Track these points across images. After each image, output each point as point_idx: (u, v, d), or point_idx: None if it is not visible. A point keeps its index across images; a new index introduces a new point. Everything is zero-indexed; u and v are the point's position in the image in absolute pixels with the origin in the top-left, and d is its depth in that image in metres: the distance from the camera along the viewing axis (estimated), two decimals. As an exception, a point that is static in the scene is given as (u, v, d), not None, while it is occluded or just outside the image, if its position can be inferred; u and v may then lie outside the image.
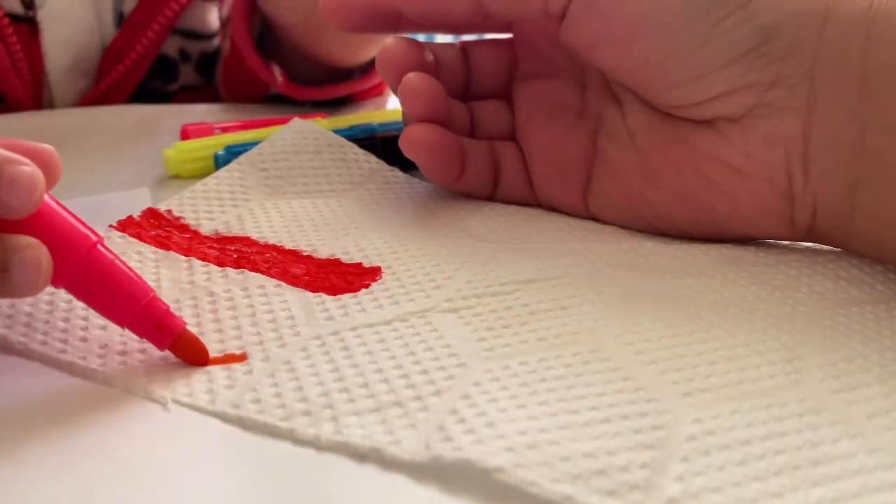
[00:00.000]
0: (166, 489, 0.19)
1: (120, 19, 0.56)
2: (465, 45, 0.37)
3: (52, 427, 0.21)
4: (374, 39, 0.51)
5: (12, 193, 0.21)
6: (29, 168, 0.21)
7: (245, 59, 0.53)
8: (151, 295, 0.23)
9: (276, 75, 0.52)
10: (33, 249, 0.22)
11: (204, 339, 0.24)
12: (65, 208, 0.23)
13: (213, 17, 0.59)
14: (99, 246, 0.23)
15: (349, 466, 0.20)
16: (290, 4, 0.50)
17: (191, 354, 0.24)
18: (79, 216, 0.24)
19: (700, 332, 0.24)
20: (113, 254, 0.23)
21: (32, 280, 0.22)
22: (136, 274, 0.23)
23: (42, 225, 0.22)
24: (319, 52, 0.52)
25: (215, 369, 0.23)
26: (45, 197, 0.23)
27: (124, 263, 0.23)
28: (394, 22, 0.34)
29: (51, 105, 0.55)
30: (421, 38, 0.36)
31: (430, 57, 0.35)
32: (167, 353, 0.24)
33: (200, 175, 0.38)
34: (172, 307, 0.24)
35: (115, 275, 0.23)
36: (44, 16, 0.52)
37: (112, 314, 0.23)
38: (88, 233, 0.23)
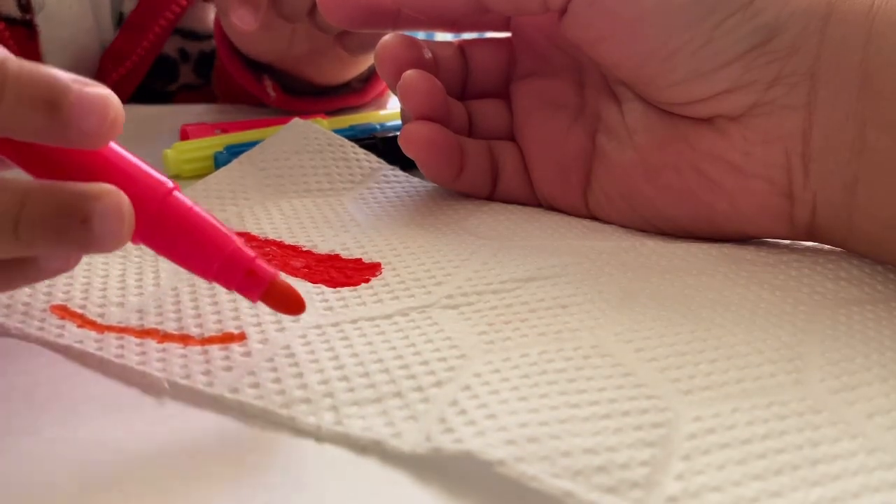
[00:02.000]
0: (164, 481, 0.19)
1: (120, 20, 0.56)
2: (463, 43, 0.37)
3: (48, 414, 0.21)
4: (357, 61, 0.50)
5: (84, 116, 0.19)
6: (100, 88, 0.19)
7: (235, 78, 0.53)
8: (236, 243, 0.21)
9: (269, 90, 0.51)
10: (113, 196, 0.19)
11: (202, 321, 0.24)
12: (132, 153, 0.21)
13: (211, 18, 0.59)
14: (175, 192, 0.21)
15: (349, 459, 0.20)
16: (261, 48, 0.50)
17: (286, 303, 0.22)
18: None
19: (701, 331, 0.24)
20: (192, 201, 0.22)
21: (116, 230, 0.19)
22: (219, 222, 0.22)
23: (113, 171, 0.20)
24: (306, 76, 0.52)
25: (213, 349, 0.23)
26: (111, 143, 0.21)
27: (205, 210, 0.22)
28: (392, 18, 0.34)
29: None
30: (420, 36, 0.36)
31: (429, 55, 0.35)
32: (165, 337, 0.23)
33: (200, 175, 0.38)
34: (171, 295, 0.24)
35: (197, 221, 0.21)
36: (42, 19, 0.52)
37: (197, 264, 0.21)
38: (163, 179, 0.21)
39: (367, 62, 0.52)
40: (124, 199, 0.20)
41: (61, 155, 0.20)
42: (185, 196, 0.21)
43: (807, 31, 0.27)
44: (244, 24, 0.40)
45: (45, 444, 0.20)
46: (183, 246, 0.21)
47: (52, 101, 0.19)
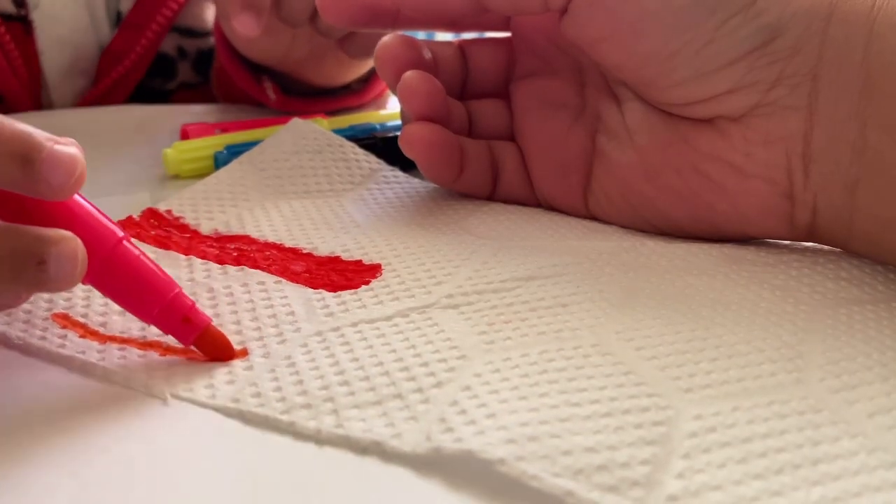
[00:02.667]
0: (166, 485, 0.19)
1: (117, 19, 0.56)
2: (462, 43, 0.37)
3: (52, 422, 0.21)
4: (358, 64, 0.50)
5: (53, 171, 0.21)
6: (70, 148, 0.21)
7: (234, 80, 0.53)
8: (177, 289, 0.23)
9: (269, 92, 0.51)
10: (69, 242, 0.21)
11: None
12: (91, 203, 0.23)
13: (209, 15, 0.59)
14: (125, 242, 0.23)
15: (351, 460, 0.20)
16: (263, 52, 0.50)
17: (216, 349, 0.23)
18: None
19: (701, 330, 0.24)
20: (140, 250, 0.23)
21: (69, 272, 0.21)
22: (162, 270, 0.23)
23: (72, 219, 0.22)
24: (307, 79, 0.52)
25: (216, 365, 0.23)
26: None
27: (150, 259, 0.23)
28: (392, 18, 0.34)
29: (49, 105, 0.55)
30: (420, 36, 0.36)
31: (429, 55, 0.35)
32: (168, 350, 0.24)
33: (200, 175, 0.38)
34: None
35: (141, 269, 0.23)
36: (37, 16, 0.52)
37: (138, 309, 0.23)
38: (115, 228, 0.23)
39: (367, 65, 0.52)
40: (79, 244, 0.21)
41: (26, 200, 0.21)
42: (134, 245, 0.23)
43: (808, 31, 0.27)
44: (246, 29, 0.40)
45: (45, 448, 0.20)
46: (127, 291, 0.23)
47: (26, 156, 0.20)
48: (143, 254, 0.23)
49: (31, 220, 0.22)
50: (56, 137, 0.21)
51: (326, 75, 0.51)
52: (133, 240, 0.23)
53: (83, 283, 0.23)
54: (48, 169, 0.21)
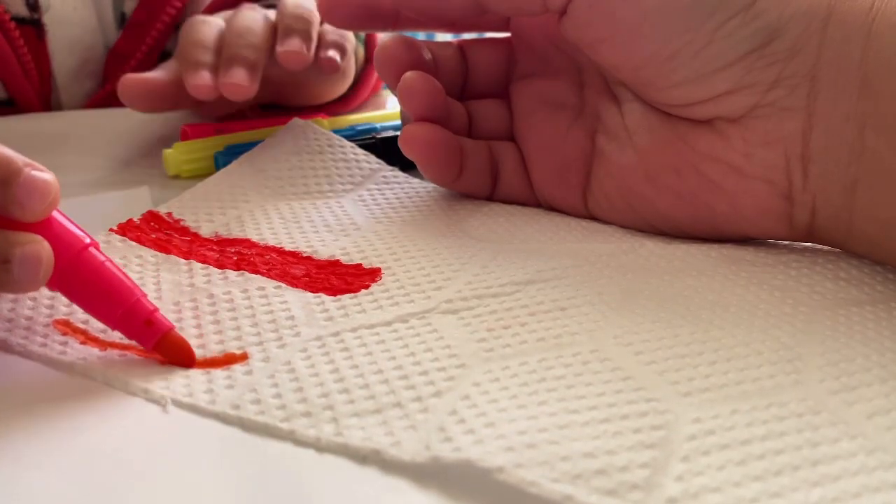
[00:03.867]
0: (166, 490, 0.19)
1: (122, 20, 0.56)
2: (462, 43, 0.37)
3: (52, 428, 0.21)
4: (329, 80, 0.48)
5: (29, 196, 0.22)
6: (46, 174, 0.22)
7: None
8: (139, 296, 0.24)
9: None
10: (35, 245, 0.22)
11: (204, 340, 0.24)
12: (61, 212, 0.24)
13: None
14: (91, 249, 0.24)
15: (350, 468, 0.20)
16: (226, 107, 0.48)
17: (176, 354, 0.24)
18: (78, 215, 0.24)
19: (700, 333, 0.24)
20: (105, 257, 0.24)
21: (32, 274, 0.22)
22: (127, 277, 0.24)
23: (40, 224, 0.23)
24: (290, 104, 0.51)
25: (215, 370, 0.23)
26: None
27: (116, 267, 0.24)
28: (391, 19, 0.34)
29: (58, 107, 0.55)
30: (420, 37, 0.36)
31: (428, 55, 0.35)
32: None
33: (200, 175, 0.38)
34: (172, 309, 0.24)
35: (105, 275, 0.24)
36: (49, 19, 0.52)
37: (102, 312, 0.24)
38: (82, 235, 0.24)
39: (349, 79, 0.51)
40: (45, 247, 0.22)
41: None
42: (101, 253, 0.24)
43: (807, 32, 0.27)
44: (199, 94, 0.38)
45: (45, 453, 0.20)
46: (91, 295, 0.24)
47: (5, 179, 0.22)
48: (110, 260, 0.24)
49: (2, 225, 0.23)
50: (33, 163, 0.23)
51: (308, 98, 0.50)
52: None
53: (49, 288, 0.24)
54: (24, 193, 0.22)
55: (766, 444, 0.20)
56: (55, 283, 0.23)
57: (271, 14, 0.42)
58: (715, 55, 0.28)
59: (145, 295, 0.24)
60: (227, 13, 0.44)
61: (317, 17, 0.40)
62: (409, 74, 0.33)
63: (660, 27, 0.28)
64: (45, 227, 0.23)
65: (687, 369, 0.23)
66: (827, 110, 0.27)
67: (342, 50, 0.41)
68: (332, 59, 0.40)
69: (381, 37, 0.51)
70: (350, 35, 0.42)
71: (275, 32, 0.40)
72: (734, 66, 0.28)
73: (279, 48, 0.37)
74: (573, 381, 0.22)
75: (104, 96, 0.56)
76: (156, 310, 0.24)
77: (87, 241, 0.24)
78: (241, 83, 0.36)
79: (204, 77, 0.37)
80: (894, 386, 0.22)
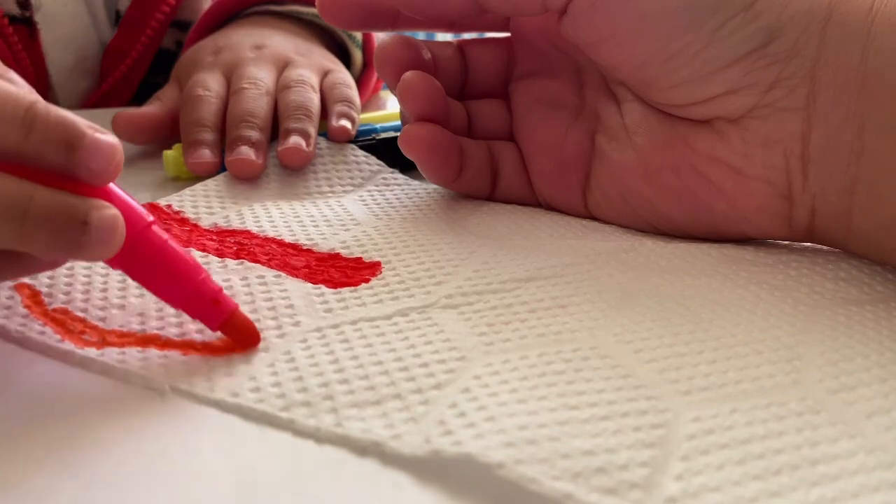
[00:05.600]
0: (166, 483, 0.19)
1: (116, 17, 0.56)
2: (462, 43, 0.37)
3: (50, 420, 0.21)
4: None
5: (94, 157, 0.22)
6: (110, 137, 0.22)
7: None
8: (205, 273, 0.24)
9: None
10: (111, 209, 0.22)
11: (203, 326, 0.24)
12: (122, 189, 0.24)
13: (206, 8, 0.59)
14: (154, 227, 0.23)
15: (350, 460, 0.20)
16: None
17: (242, 334, 0.24)
18: None
19: (700, 332, 0.24)
20: (168, 234, 0.24)
21: (109, 238, 0.22)
22: (191, 256, 0.24)
23: (108, 198, 0.23)
24: None
25: (214, 358, 0.23)
26: None
27: (179, 245, 0.24)
28: (391, 19, 0.34)
29: (56, 105, 0.55)
30: (420, 36, 0.36)
31: (428, 55, 0.35)
32: (166, 343, 0.24)
33: (201, 177, 0.38)
34: None
35: (170, 253, 0.23)
36: (41, 17, 0.52)
37: (168, 290, 0.24)
38: (144, 213, 0.23)
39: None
40: (119, 214, 0.22)
41: (67, 180, 0.22)
42: (163, 231, 0.24)
43: (807, 33, 0.27)
44: (200, 171, 0.38)
45: (44, 444, 0.20)
46: (157, 272, 0.23)
47: (70, 143, 0.22)
48: (173, 238, 0.24)
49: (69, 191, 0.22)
50: (96, 126, 0.22)
51: None
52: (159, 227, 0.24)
53: (112, 266, 0.23)
54: (89, 155, 0.22)
55: (765, 444, 0.20)
56: (118, 260, 0.23)
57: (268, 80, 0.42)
58: (715, 55, 0.28)
59: (210, 275, 0.24)
60: (223, 46, 0.45)
61: (316, 105, 0.41)
62: (408, 74, 0.33)
63: (660, 27, 0.28)
64: (114, 200, 0.23)
65: (687, 368, 0.23)
66: (826, 111, 0.27)
67: (352, 120, 0.41)
68: (344, 128, 0.40)
69: (381, 37, 0.52)
70: (356, 100, 0.43)
71: (275, 105, 0.41)
72: (734, 66, 0.28)
73: (279, 148, 0.38)
74: (573, 376, 0.22)
75: (102, 95, 0.56)
76: (221, 289, 0.24)
77: (150, 218, 0.23)
78: (247, 158, 0.37)
79: (205, 155, 0.38)
80: (894, 385, 0.22)
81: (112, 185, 0.23)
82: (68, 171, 0.22)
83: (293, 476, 0.19)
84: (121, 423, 0.21)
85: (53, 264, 0.25)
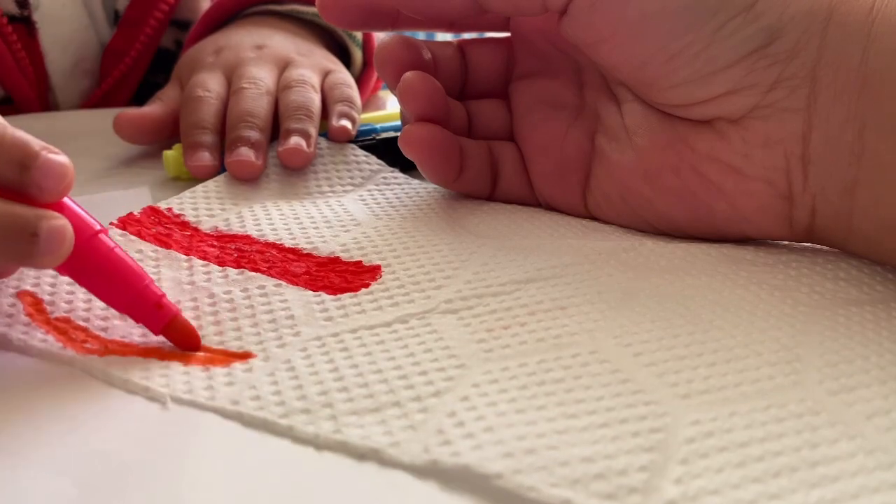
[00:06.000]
0: (165, 488, 0.19)
1: (115, 17, 0.56)
2: (462, 43, 0.36)
3: (50, 425, 0.21)
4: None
5: (45, 177, 0.23)
6: (61, 157, 0.23)
7: None
8: (147, 281, 0.25)
9: None
10: (61, 220, 0.23)
11: (204, 340, 0.25)
12: (73, 200, 0.24)
13: (204, 7, 0.59)
14: (101, 235, 0.24)
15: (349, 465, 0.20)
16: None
17: (184, 337, 0.24)
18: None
19: (699, 333, 0.24)
20: (115, 243, 0.25)
21: (57, 248, 0.23)
22: (135, 263, 0.25)
23: (57, 208, 0.24)
24: None
25: (215, 367, 0.23)
26: None
27: (125, 253, 0.25)
28: (391, 19, 0.34)
29: (56, 106, 0.55)
30: (420, 36, 0.36)
31: (428, 55, 0.35)
32: (167, 355, 0.24)
33: (201, 177, 0.38)
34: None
35: (114, 260, 0.24)
36: (39, 16, 0.52)
37: (112, 295, 0.25)
38: (93, 222, 0.24)
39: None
40: (68, 224, 0.23)
41: (23, 196, 0.23)
42: (111, 239, 0.25)
43: (807, 33, 0.27)
44: (200, 174, 0.38)
45: (46, 451, 0.20)
46: (102, 279, 0.24)
47: (23, 162, 0.23)
48: (119, 247, 0.25)
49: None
50: (49, 147, 0.23)
51: None
52: (109, 235, 0.25)
53: (60, 272, 0.24)
54: (41, 174, 0.23)
55: (764, 446, 0.20)
56: (66, 267, 0.24)
57: (269, 80, 0.42)
58: (716, 56, 0.28)
59: (153, 280, 0.25)
60: (225, 57, 0.45)
61: (317, 106, 0.41)
62: (408, 74, 0.33)
63: (661, 28, 0.28)
64: (62, 210, 0.24)
65: (686, 371, 0.23)
66: (827, 111, 0.27)
67: (352, 120, 0.41)
68: (344, 128, 0.40)
69: (381, 37, 0.51)
70: (357, 100, 0.43)
71: (276, 104, 0.41)
72: (735, 66, 0.28)
73: (280, 149, 0.38)
74: (572, 384, 0.22)
75: (102, 94, 0.56)
76: (163, 295, 0.25)
77: (98, 227, 0.24)
78: (247, 159, 0.37)
79: (204, 158, 0.38)
80: (893, 387, 0.22)
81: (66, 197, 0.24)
82: (22, 189, 0.23)
83: (292, 482, 0.19)
84: (122, 431, 0.21)
85: (3, 273, 0.26)
